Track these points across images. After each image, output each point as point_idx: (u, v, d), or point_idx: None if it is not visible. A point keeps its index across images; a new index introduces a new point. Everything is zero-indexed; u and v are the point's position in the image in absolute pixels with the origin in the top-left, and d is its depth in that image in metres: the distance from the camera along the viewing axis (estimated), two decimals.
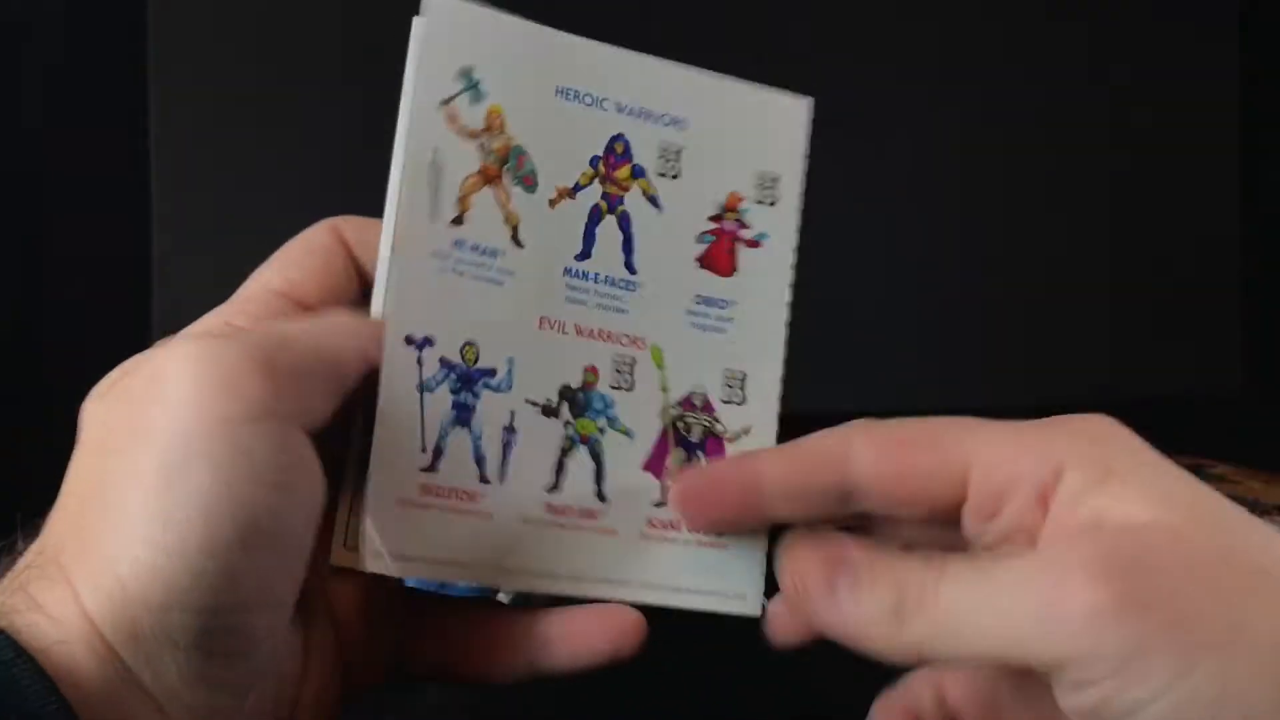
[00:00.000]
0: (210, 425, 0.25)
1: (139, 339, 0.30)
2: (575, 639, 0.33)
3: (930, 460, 0.30)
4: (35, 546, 0.27)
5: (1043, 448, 0.28)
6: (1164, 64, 0.69)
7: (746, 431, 0.36)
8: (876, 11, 0.67)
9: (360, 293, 0.33)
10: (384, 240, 0.32)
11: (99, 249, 0.56)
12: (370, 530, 0.31)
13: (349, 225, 0.33)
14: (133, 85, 0.55)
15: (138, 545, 0.24)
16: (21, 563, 0.26)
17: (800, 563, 0.30)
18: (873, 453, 0.30)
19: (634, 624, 0.33)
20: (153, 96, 0.55)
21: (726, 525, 0.34)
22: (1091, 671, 0.24)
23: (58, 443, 0.28)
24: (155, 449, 0.25)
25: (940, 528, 0.31)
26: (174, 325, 0.30)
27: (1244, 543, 0.26)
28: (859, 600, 0.28)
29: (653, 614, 0.33)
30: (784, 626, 0.33)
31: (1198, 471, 0.28)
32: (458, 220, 0.33)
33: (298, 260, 0.32)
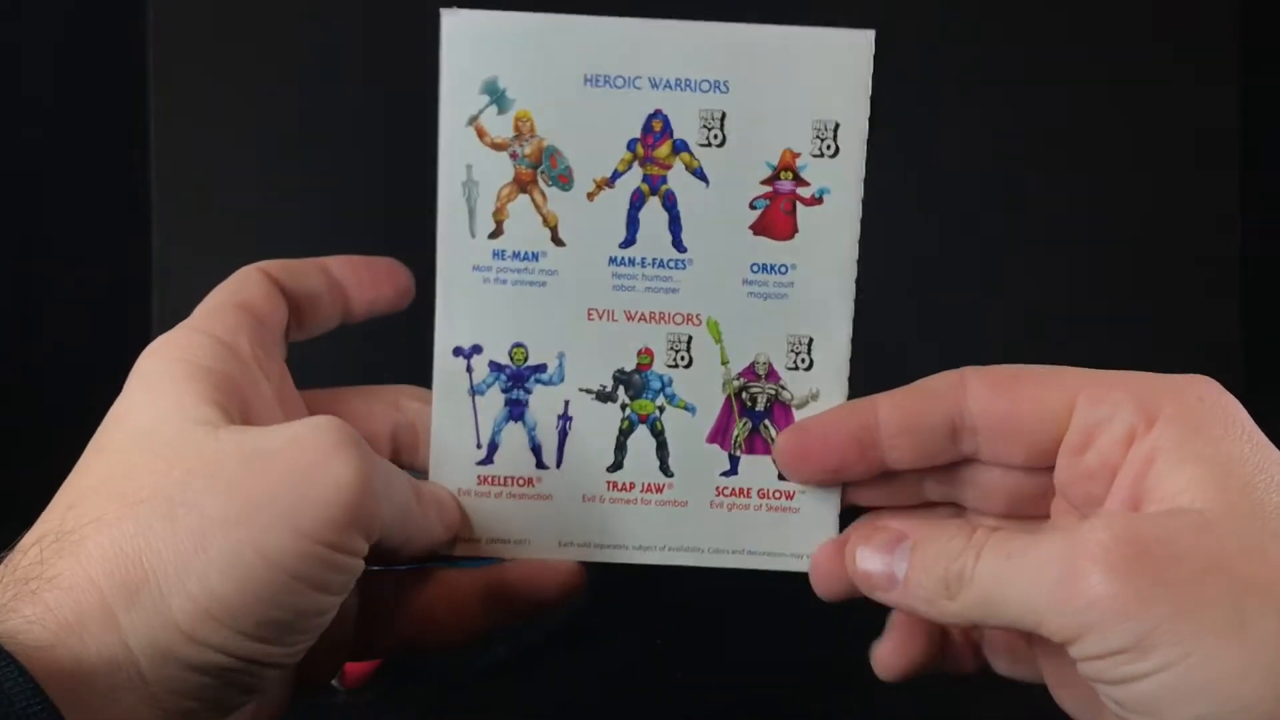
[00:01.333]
0: (307, 545, 0.28)
1: (139, 339, 0.32)
2: (528, 587, 0.35)
3: (1040, 393, 0.32)
4: (51, 530, 0.28)
5: (1145, 395, 0.30)
6: (1164, 63, 0.64)
7: (815, 396, 0.36)
8: (880, 15, 0.59)
9: (297, 317, 0.35)
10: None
11: (99, 250, 0.57)
12: None
13: (270, 266, 0.35)
14: (133, 86, 0.56)
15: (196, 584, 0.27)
16: (31, 550, 0.28)
17: (861, 550, 0.33)
18: (987, 387, 0.33)
19: (579, 570, 0.36)
20: (153, 97, 0.55)
21: (835, 474, 0.35)
22: (1096, 648, 0.27)
23: (58, 443, 0.30)
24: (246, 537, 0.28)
25: (1034, 475, 0.33)
26: (174, 326, 0.32)
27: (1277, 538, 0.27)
28: (913, 581, 0.31)
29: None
30: (828, 578, 0.35)
31: None
32: (496, 232, 0.35)
33: (236, 289, 0.34)
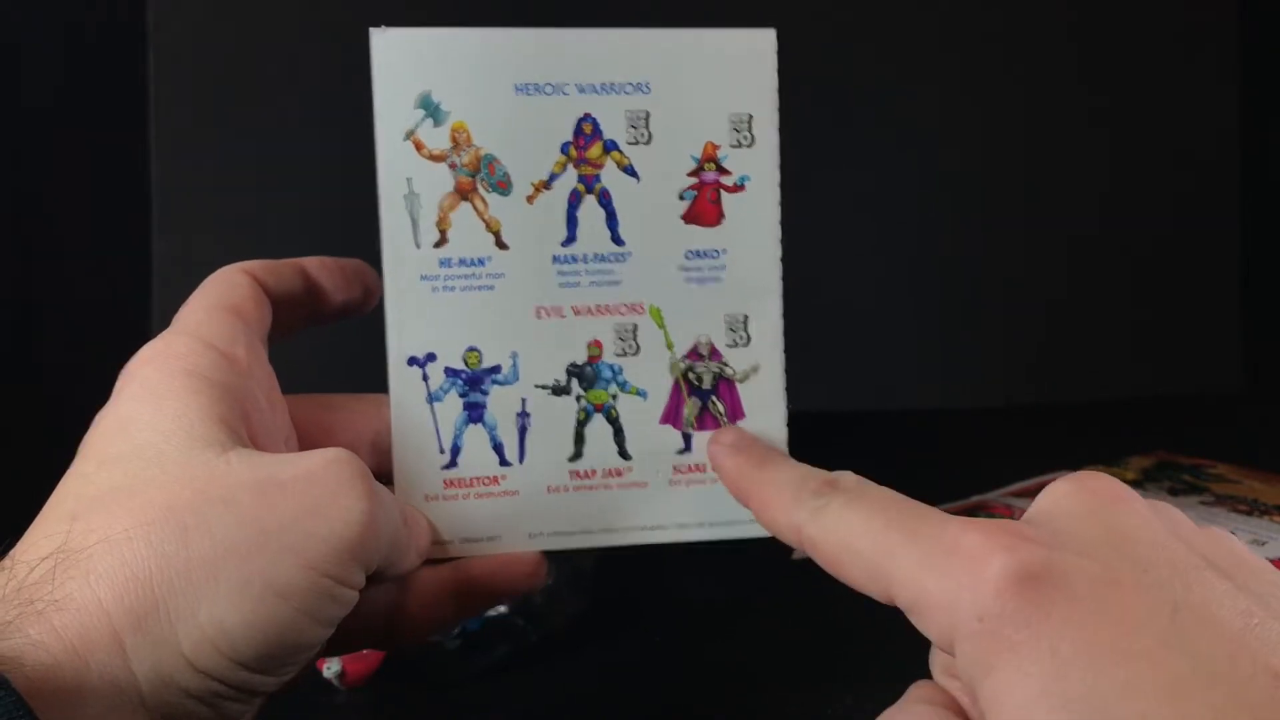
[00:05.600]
0: (314, 577, 0.29)
1: (139, 339, 0.32)
2: (495, 579, 0.36)
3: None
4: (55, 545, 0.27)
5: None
6: (1164, 63, 0.66)
7: (755, 370, 0.38)
8: (884, 13, 0.63)
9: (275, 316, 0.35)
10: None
11: (99, 250, 0.58)
12: None
13: (250, 266, 0.35)
14: (133, 87, 0.56)
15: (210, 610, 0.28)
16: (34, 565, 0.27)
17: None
18: None
19: (541, 559, 0.37)
20: (153, 98, 0.56)
21: None
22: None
23: (58, 443, 0.30)
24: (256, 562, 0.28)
25: None
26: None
27: None
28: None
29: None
30: None
31: (1197, 471, 0.27)
32: (440, 241, 0.36)
33: (220, 289, 0.34)
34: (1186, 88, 0.67)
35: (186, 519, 0.28)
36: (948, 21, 0.66)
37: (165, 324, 0.33)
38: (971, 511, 0.60)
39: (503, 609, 0.47)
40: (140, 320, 0.54)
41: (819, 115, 0.67)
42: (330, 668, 0.46)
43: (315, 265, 0.36)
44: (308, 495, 0.29)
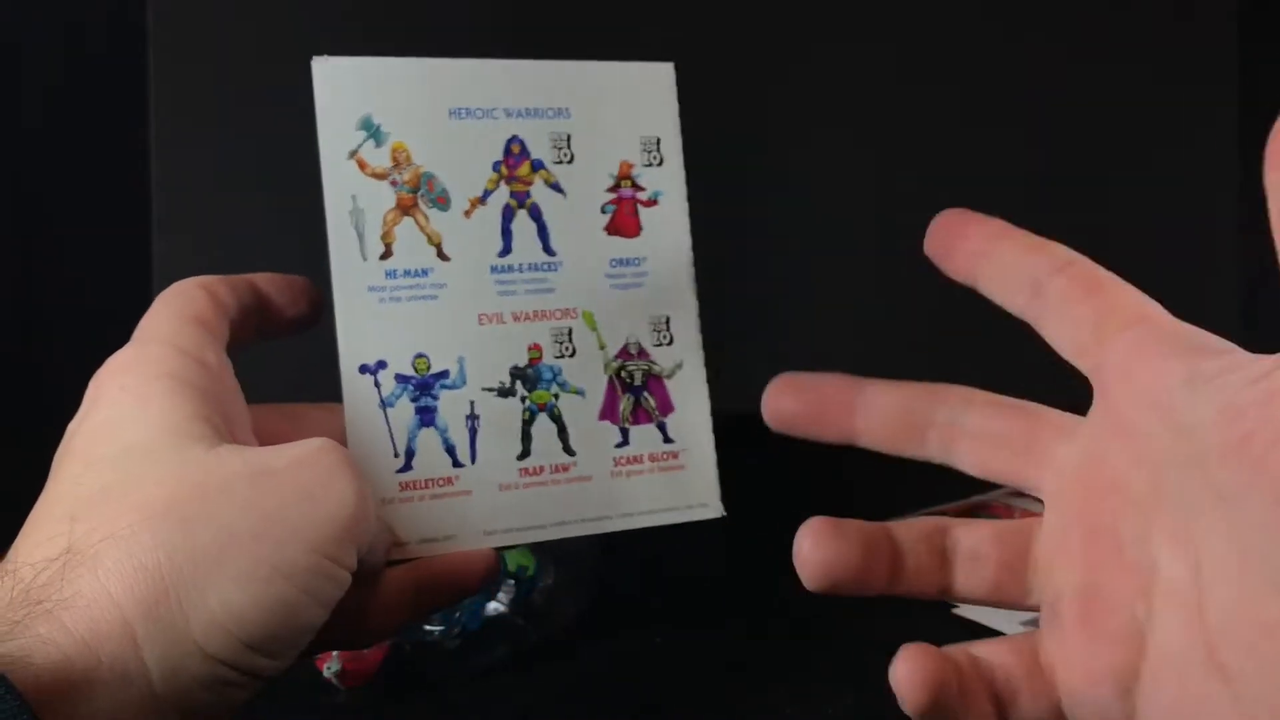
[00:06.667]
0: (316, 559, 0.30)
1: None
2: (454, 577, 0.37)
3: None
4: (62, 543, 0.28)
5: None
6: (1163, 63, 0.69)
7: (680, 366, 0.41)
8: (880, 8, 0.67)
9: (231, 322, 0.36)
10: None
11: (99, 250, 0.57)
12: None
13: (207, 280, 0.36)
14: (133, 86, 0.56)
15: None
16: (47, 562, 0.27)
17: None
18: None
19: (494, 556, 0.38)
20: (153, 97, 0.55)
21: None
22: None
23: (57, 443, 0.30)
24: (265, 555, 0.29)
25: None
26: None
27: None
28: None
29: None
30: (783, 404, 0.33)
31: None
32: (386, 254, 0.38)
33: (182, 300, 0.34)
34: (1186, 86, 0.68)
35: (188, 511, 0.28)
36: (939, 17, 0.67)
37: None
38: (972, 512, 0.63)
39: (503, 609, 0.47)
40: (140, 320, 0.51)
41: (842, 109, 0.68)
42: (330, 667, 0.45)
43: (265, 281, 0.37)
44: (301, 480, 0.30)
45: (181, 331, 0.33)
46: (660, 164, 0.42)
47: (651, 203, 0.41)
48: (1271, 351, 0.24)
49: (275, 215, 0.56)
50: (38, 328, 0.55)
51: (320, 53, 0.36)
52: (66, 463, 0.30)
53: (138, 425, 0.30)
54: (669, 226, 0.42)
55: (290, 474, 0.30)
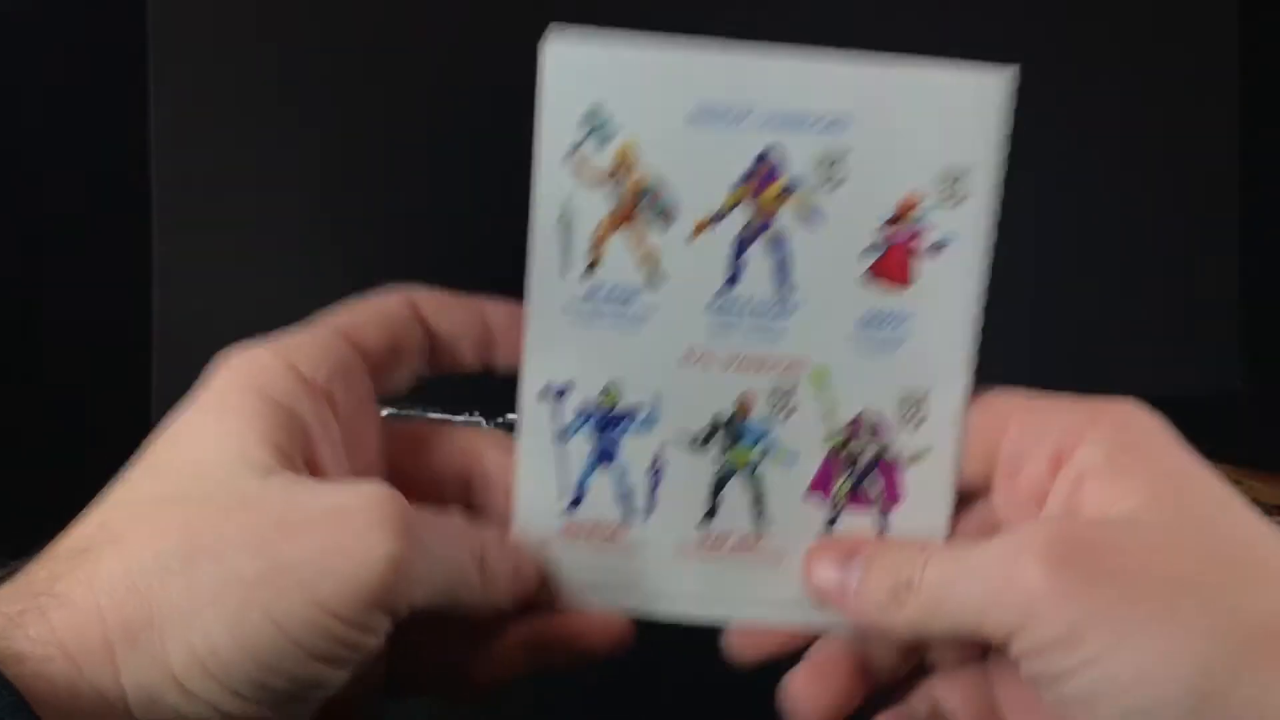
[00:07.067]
0: (320, 616, 0.27)
1: (139, 340, 0.31)
2: (576, 640, 0.34)
3: (974, 420, 0.33)
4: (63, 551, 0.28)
5: (1071, 419, 0.31)
6: (1163, 62, 0.64)
7: (925, 453, 0.34)
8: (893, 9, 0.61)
9: (429, 353, 0.34)
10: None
11: (99, 250, 0.57)
12: None
13: (424, 296, 0.34)
14: (133, 86, 0.55)
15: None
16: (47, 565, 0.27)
17: (819, 563, 0.33)
18: None
19: (628, 626, 0.34)
20: (153, 97, 0.54)
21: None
22: (1032, 641, 0.28)
23: (58, 443, 0.31)
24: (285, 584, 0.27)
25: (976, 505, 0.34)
26: (174, 326, 0.31)
27: (1214, 539, 0.28)
28: (865, 589, 0.32)
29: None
30: (746, 644, 0.35)
31: None
32: (590, 268, 0.33)
33: (365, 311, 0.33)
34: (1186, 86, 0.64)
35: (202, 541, 0.27)
36: (952, 16, 0.61)
37: (166, 324, 0.32)
38: None
39: None
40: (141, 320, 0.51)
41: None
42: None
43: (497, 312, 0.34)
44: (332, 530, 0.28)
45: (312, 342, 0.31)
46: (961, 203, 0.32)
47: (936, 249, 0.32)
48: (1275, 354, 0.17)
49: (277, 216, 0.53)
50: (37, 328, 0.54)
51: (319, 52, 0.31)
52: (141, 456, 0.30)
53: (202, 439, 0.29)
54: (953, 281, 0.33)
55: (324, 523, 0.28)
